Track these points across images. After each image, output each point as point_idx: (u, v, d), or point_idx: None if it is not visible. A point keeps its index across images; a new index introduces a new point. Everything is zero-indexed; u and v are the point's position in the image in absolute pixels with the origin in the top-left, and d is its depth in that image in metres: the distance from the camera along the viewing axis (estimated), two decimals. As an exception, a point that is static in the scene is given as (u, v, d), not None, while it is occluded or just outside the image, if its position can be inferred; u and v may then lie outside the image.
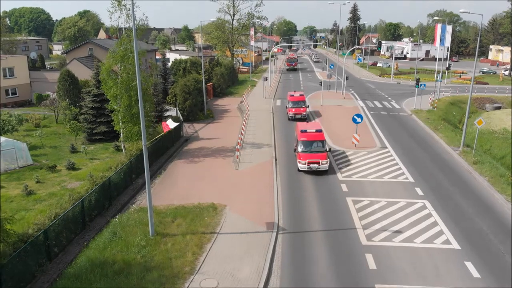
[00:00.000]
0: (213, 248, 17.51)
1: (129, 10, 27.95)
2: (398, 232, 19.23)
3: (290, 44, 76.11)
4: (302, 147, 27.20)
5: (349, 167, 28.03)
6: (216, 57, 75.00)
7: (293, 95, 43.24)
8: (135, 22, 17.79)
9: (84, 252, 17.36)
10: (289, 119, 41.62)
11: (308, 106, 43.04)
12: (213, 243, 17.93)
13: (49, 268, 16.86)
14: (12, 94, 51.47)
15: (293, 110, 41.67)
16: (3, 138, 29.32)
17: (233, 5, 76.62)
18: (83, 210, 19.89)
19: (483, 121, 29.95)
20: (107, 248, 17.22)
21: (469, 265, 16.75)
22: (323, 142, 27.44)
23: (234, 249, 17.47)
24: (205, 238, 18.18)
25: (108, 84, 28.01)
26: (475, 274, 16.20)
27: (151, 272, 15.76)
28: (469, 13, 30.25)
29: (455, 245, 18.20)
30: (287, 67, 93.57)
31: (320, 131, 28.15)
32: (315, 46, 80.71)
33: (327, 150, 27.29)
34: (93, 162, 30.45)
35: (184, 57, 73.80)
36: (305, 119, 40.70)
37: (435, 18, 75.30)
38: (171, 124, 17.54)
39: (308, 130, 27.92)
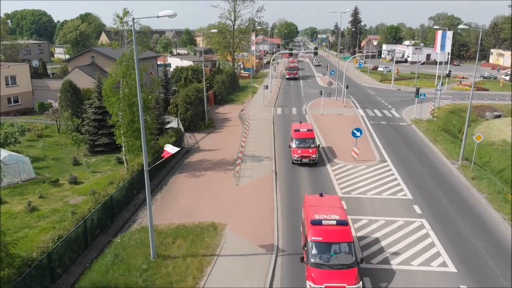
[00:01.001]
0: (213, 272, 17.80)
1: (131, 26, 28.26)
2: (396, 254, 19.49)
3: (291, 52, 76.05)
4: (316, 253, 16.62)
5: (349, 183, 28.28)
6: (217, 63, 75.33)
7: (298, 130, 32.62)
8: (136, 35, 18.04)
9: (87, 275, 17.67)
10: (293, 163, 31.61)
11: (319, 146, 33.57)
12: (213, 266, 18.22)
13: (53, 290, 17.23)
14: (15, 102, 51.98)
15: (299, 151, 31.16)
16: (6, 152, 29.61)
17: (234, 11, 76.89)
18: (86, 230, 20.23)
19: (481, 136, 30.16)
20: (109, 271, 17.52)
21: (465, 289, 17.06)
22: (350, 245, 16.81)
23: (233, 273, 17.76)
24: (205, 261, 18.48)
25: (111, 100, 28.32)
26: (471, 299, 16.51)
27: (152, 297, 16.08)
28: (468, 28, 30.52)
29: (451, 267, 18.47)
30: (287, 76, 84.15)
31: (345, 223, 17.43)
32: (315, 54, 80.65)
33: (357, 262, 16.79)
34: (95, 175, 30.78)
35: (185, 62, 74.33)
36: (315, 163, 31.46)
37: (435, 27, 75.34)
38: (171, 149, 17.80)
39: (323, 222, 17.34)
